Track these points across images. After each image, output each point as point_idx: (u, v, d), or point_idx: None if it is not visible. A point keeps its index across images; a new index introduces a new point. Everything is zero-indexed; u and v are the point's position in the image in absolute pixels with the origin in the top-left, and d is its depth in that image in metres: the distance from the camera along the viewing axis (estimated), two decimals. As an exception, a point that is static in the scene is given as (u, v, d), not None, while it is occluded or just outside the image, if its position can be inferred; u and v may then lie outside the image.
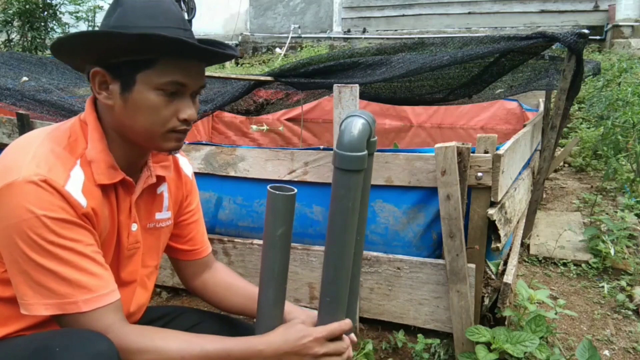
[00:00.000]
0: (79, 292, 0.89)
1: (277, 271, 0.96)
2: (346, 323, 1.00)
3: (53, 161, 0.92)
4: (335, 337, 0.99)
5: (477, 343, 1.55)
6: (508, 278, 1.72)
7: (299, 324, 1.01)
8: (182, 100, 0.97)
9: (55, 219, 0.88)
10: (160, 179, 1.12)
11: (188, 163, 1.25)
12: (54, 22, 6.91)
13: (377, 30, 8.48)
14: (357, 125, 0.90)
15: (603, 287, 2.20)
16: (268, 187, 0.94)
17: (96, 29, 1.05)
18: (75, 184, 0.92)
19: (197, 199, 1.27)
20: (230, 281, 1.24)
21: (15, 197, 0.87)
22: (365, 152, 0.90)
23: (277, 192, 0.94)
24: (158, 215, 1.14)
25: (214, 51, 0.95)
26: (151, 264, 1.16)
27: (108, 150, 0.99)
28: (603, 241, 2.39)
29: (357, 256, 1.02)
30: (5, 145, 1.32)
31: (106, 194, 0.99)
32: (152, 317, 1.22)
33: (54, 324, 0.95)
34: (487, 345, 1.55)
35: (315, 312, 1.05)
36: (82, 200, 0.92)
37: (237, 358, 0.94)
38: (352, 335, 1.05)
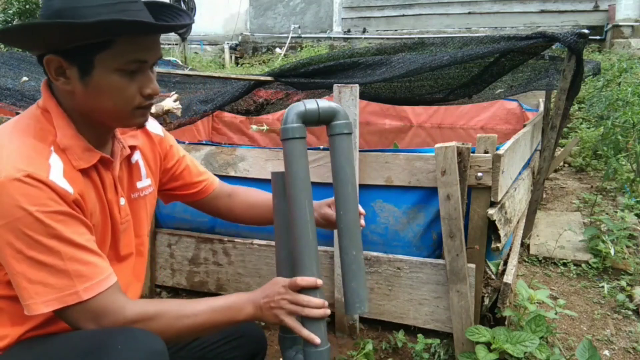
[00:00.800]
0: (78, 282, 0.89)
1: (284, 234, 1.13)
2: (304, 278, 1.05)
3: (29, 153, 0.90)
4: (305, 290, 1.05)
5: (477, 343, 1.55)
6: (508, 278, 1.72)
7: (275, 278, 1.10)
8: (143, 75, 0.96)
9: (47, 212, 0.87)
10: (133, 149, 1.13)
11: (153, 122, 1.25)
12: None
13: (377, 30, 8.48)
14: (293, 108, 1.08)
15: (603, 287, 2.20)
16: (271, 171, 1.15)
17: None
18: (57, 173, 0.91)
19: (178, 147, 1.29)
20: (252, 201, 1.36)
21: (1, 198, 0.85)
22: (298, 125, 1.06)
23: (277, 172, 1.14)
24: (139, 184, 1.15)
25: (171, 26, 0.94)
26: (143, 233, 1.18)
27: (78, 133, 0.98)
28: (603, 241, 2.39)
29: (344, 231, 1.10)
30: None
31: (88, 176, 0.99)
32: None
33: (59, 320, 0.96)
34: (487, 345, 1.55)
35: None
36: (69, 188, 0.91)
37: (234, 308, 1.04)
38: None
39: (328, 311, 1.06)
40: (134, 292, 1.17)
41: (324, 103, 1.10)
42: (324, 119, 1.10)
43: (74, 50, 0.91)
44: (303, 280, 1.05)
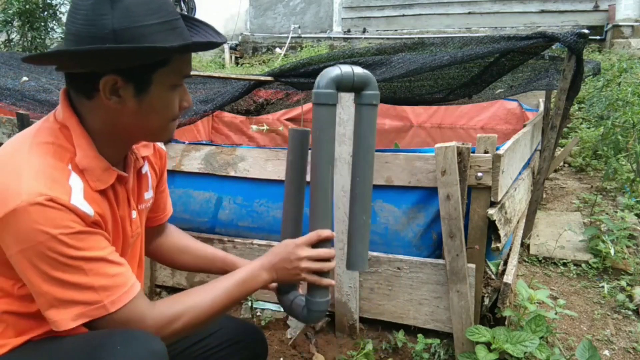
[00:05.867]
0: (104, 296, 0.90)
1: (295, 192, 1.16)
2: (323, 232, 1.11)
3: (50, 175, 0.89)
4: (318, 245, 1.11)
5: (477, 343, 1.55)
6: (508, 278, 1.72)
7: (285, 241, 1.13)
8: (182, 89, 0.99)
9: (70, 234, 0.87)
10: (144, 159, 1.13)
11: None
12: (54, 22, 6.89)
13: (377, 30, 8.47)
14: (329, 72, 1.07)
15: (603, 287, 2.20)
16: (290, 128, 1.18)
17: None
18: (78, 194, 0.90)
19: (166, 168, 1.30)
20: (185, 243, 1.32)
21: (24, 222, 0.84)
22: (334, 91, 1.07)
23: (295, 128, 1.17)
24: (146, 196, 1.15)
25: (217, 44, 0.97)
26: (144, 243, 1.19)
27: (98, 153, 0.97)
28: (603, 241, 2.39)
29: (357, 198, 1.15)
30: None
31: (105, 195, 0.99)
32: None
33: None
34: (487, 345, 1.55)
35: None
36: (89, 210, 0.91)
37: (247, 281, 1.06)
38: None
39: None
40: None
41: (359, 69, 1.10)
42: (358, 86, 1.10)
43: (133, 69, 0.90)
44: (324, 232, 1.10)
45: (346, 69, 1.08)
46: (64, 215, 0.87)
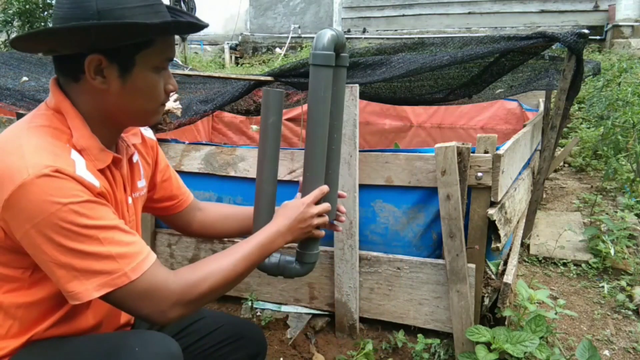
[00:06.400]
0: (123, 264, 0.90)
1: (270, 153, 1.19)
2: (324, 187, 1.21)
3: (51, 150, 0.90)
4: (319, 201, 1.20)
5: (477, 343, 1.55)
6: (508, 278, 1.72)
7: (290, 203, 1.19)
8: (166, 72, 1.01)
9: (80, 202, 0.88)
10: (134, 148, 1.15)
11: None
12: (51, 21, 6.90)
13: (377, 30, 8.48)
14: (326, 34, 1.14)
15: (603, 287, 2.20)
16: (263, 88, 1.21)
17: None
18: (81, 167, 0.92)
19: (164, 155, 1.31)
20: (224, 212, 1.37)
21: (32, 194, 0.85)
22: (332, 53, 1.13)
23: (269, 88, 1.19)
24: (139, 184, 1.16)
25: (198, 25, 0.99)
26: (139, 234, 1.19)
27: (93, 134, 0.98)
28: (603, 241, 2.39)
29: (334, 152, 1.26)
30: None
31: (103, 174, 1.00)
32: None
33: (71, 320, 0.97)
34: (487, 345, 1.55)
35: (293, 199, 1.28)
36: (95, 181, 0.92)
37: (266, 245, 1.10)
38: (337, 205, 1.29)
39: None
40: None
41: (340, 31, 1.18)
42: (339, 48, 1.18)
43: (116, 49, 0.92)
44: (325, 187, 1.20)
45: (337, 30, 1.16)
46: (72, 185, 0.88)
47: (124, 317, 1.16)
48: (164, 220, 1.37)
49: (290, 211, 1.15)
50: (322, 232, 1.21)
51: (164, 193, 1.29)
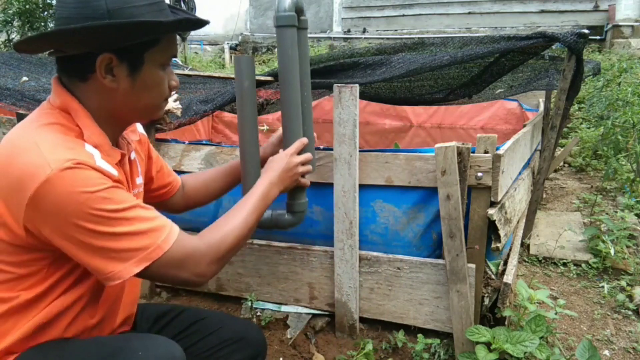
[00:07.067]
0: (155, 238, 0.94)
1: (249, 116, 1.30)
2: (304, 139, 1.36)
3: (67, 145, 0.91)
4: (301, 152, 1.35)
5: (477, 343, 1.55)
6: (508, 278, 1.72)
7: (275, 156, 1.32)
8: (169, 69, 1.05)
9: (106, 189, 0.90)
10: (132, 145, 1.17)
11: None
12: (54, 22, 6.90)
13: (377, 30, 8.48)
14: None
15: (603, 287, 2.20)
16: (233, 56, 1.34)
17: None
18: (99, 159, 0.94)
19: (153, 148, 1.34)
20: (202, 180, 1.46)
21: (59, 187, 0.86)
22: (294, 14, 1.26)
23: (239, 55, 1.31)
24: (137, 181, 1.18)
25: (205, 22, 1.03)
26: None
27: (103, 132, 1.00)
28: (603, 241, 2.39)
29: (307, 109, 1.41)
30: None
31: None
32: (156, 314, 1.28)
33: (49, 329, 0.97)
34: (487, 345, 1.55)
35: (273, 137, 1.50)
36: (113, 171, 0.95)
37: (265, 196, 1.22)
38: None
39: None
40: (134, 285, 1.19)
41: None
42: (299, 10, 1.30)
43: (126, 48, 0.94)
44: (304, 139, 1.35)
45: None
46: (95, 174, 0.90)
47: (121, 317, 1.16)
48: (156, 207, 1.38)
49: (277, 164, 1.28)
50: (308, 182, 1.35)
51: (159, 183, 1.34)
